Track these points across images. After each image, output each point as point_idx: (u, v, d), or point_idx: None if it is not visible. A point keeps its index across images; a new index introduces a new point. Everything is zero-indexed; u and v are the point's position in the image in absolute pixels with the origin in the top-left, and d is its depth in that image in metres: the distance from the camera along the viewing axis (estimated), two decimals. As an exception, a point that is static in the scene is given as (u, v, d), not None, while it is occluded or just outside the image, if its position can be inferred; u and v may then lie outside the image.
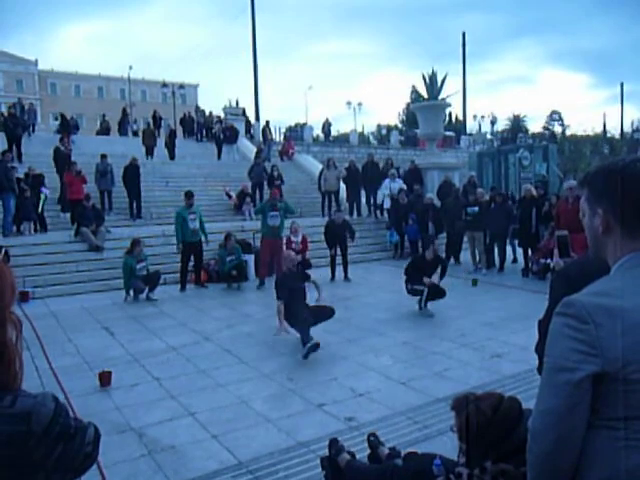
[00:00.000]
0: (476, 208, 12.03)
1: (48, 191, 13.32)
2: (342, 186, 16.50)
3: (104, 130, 28.01)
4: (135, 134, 27.59)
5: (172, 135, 21.69)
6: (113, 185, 14.87)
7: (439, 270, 8.41)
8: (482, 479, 1.99)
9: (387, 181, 15.33)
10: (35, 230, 12.84)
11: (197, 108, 28.92)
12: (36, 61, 66.04)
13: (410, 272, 8.52)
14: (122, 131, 27.65)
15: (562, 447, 1.25)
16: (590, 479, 1.25)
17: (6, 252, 9.66)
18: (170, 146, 21.14)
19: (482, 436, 2.06)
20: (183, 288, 10.60)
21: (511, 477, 1.96)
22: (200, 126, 25.91)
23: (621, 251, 1.34)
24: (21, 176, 13.04)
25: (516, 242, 12.55)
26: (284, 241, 11.16)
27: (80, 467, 1.31)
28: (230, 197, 16.90)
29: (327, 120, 32.44)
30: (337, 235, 11.55)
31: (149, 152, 20.20)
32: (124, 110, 28.72)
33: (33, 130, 22.68)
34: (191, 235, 10.66)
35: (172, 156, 21.02)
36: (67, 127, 22.31)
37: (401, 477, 2.50)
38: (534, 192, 12.01)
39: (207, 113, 27.13)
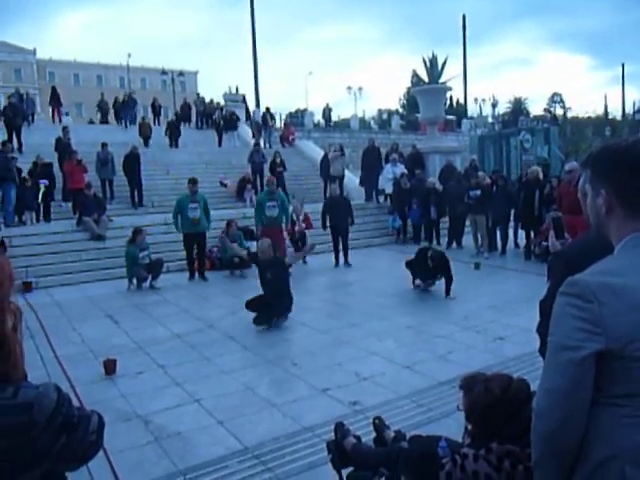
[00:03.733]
0: (478, 191, 11.97)
1: (47, 182, 13.29)
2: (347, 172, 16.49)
3: (104, 115, 26.37)
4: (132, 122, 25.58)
5: (172, 125, 21.52)
6: (114, 174, 14.84)
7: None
8: (488, 460, 1.99)
9: (389, 166, 15.28)
10: (37, 220, 12.85)
11: (198, 96, 28.62)
12: (34, 50, 65.69)
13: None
14: (123, 119, 24.75)
15: (566, 425, 1.25)
16: (594, 457, 1.25)
17: (2, 241, 9.68)
18: (173, 135, 21.03)
19: (490, 417, 2.06)
20: (192, 277, 10.56)
21: (517, 458, 1.96)
22: (200, 114, 25.68)
23: (624, 231, 1.34)
24: (25, 165, 13.06)
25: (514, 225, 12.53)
26: (284, 228, 11.05)
27: (84, 456, 1.32)
28: (225, 186, 16.83)
29: (327, 105, 32.30)
30: (337, 215, 11.37)
31: (145, 143, 20.29)
32: (129, 95, 25.80)
33: (32, 120, 22.59)
34: (190, 226, 10.43)
35: (175, 144, 20.92)
36: (57, 100, 22.04)
37: (407, 459, 2.51)
38: (540, 174, 11.89)
39: (207, 100, 26.90)
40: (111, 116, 26.05)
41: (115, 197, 14.95)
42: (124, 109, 24.17)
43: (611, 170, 1.35)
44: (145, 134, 20.30)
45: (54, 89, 23.40)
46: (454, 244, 13.31)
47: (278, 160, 16.39)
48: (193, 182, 10.58)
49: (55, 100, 22.19)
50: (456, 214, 12.86)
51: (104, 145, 14.77)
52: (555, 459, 1.29)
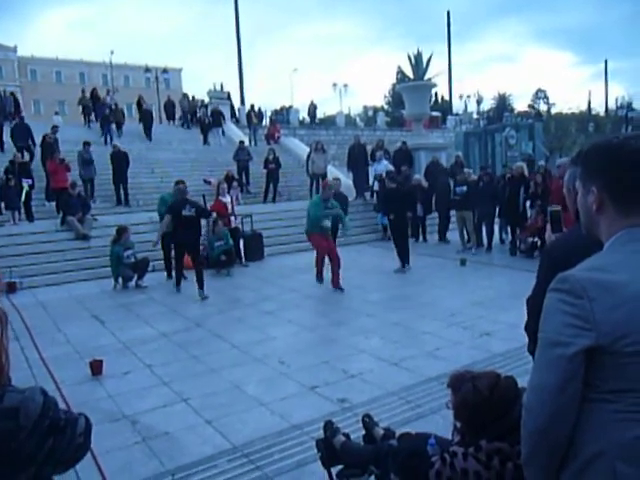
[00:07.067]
0: (464, 187, 12.00)
1: (31, 181, 13.14)
2: (330, 169, 16.45)
3: (85, 108, 23.86)
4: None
5: (146, 113, 21.40)
6: (95, 173, 14.69)
7: None
8: (477, 457, 2.00)
9: (375, 164, 15.31)
10: (19, 219, 12.69)
11: (184, 96, 28.16)
12: (15, 47, 64.86)
13: None
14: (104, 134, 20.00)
15: (556, 421, 1.25)
16: (584, 453, 1.25)
17: None
18: (147, 125, 20.98)
19: (478, 415, 2.07)
20: (170, 276, 10.51)
21: (506, 455, 1.97)
22: (186, 113, 25.37)
23: (615, 228, 1.34)
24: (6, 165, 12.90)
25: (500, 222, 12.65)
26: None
27: (72, 459, 1.30)
28: (209, 183, 16.74)
29: (312, 102, 32.19)
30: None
31: (118, 127, 20.38)
32: (94, 93, 23.27)
33: (13, 118, 22.18)
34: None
35: (148, 136, 20.81)
36: (17, 108, 21.75)
37: (396, 458, 2.51)
38: (526, 171, 11.95)
39: (191, 97, 26.68)
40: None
41: (99, 196, 14.81)
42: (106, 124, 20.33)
43: (603, 167, 1.35)
44: (118, 119, 20.25)
45: (14, 96, 23.04)
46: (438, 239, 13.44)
47: (271, 157, 16.36)
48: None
49: (15, 107, 21.81)
50: (447, 211, 12.99)
51: (86, 144, 14.62)
52: (545, 455, 1.29)
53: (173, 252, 10.02)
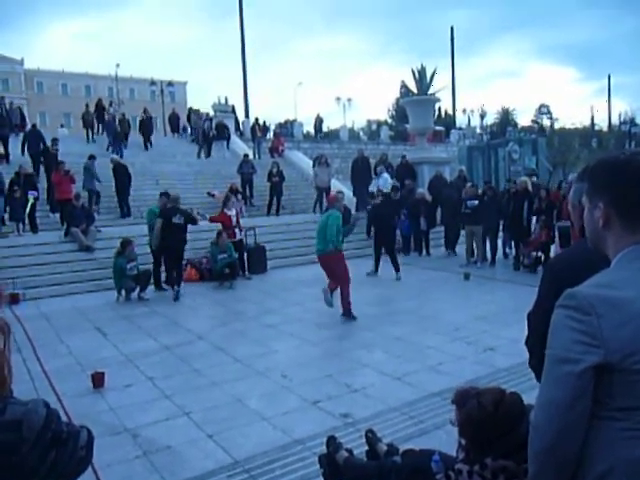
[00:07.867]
0: (476, 201, 11.91)
1: (36, 193, 13.17)
2: (334, 182, 16.48)
3: (89, 124, 23.12)
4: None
5: (144, 122, 21.62)
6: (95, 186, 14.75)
7: None
8: (482, 475, 1.97)
9: (376, 178, 15.34)
10: (23, 230, 12.71)
11: (191, 110, 28.14)
12: (22, 60, 65.40)
13: None
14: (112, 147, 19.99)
15: (565, 439, 1.24)
16: (592, 471, 1.24)
17: None
18: (146, 134, 21.24)
19: (483, 431, 2.05)
20: (158, 287, 10.55)
21: (512, 474, 1.94)
22: (194, 129, 25.26)
23: (622, 244, 1.33)
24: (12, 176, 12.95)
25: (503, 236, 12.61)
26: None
27: (74, 472, 1.29)
28: (213, 196, 16.79)
29: (318, 116, 32.26)
30: None
31: (125, 138, 20.55)
32: (100, 104, 23.37)
33: (22, 130, 22.28)
34: None
35: (149, 143, 21.14)
36: (22, 120, 21.94)
37: (400, 474, 2.48)
38: (530, 186, 11.90)
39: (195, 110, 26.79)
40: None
41: (103, 208, 14.84)
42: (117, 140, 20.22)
43: (609, 183, 1.35)
44: (124, 130, 20.37)
45: (19, 109, 23.31)
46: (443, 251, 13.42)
47: (275, 170, 16.37)
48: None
49: (21, 120, 22.06)
50: (455, 223, 12.96)
51: (92, 157, 14.67)
52: (553, 473, 1.27)
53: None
